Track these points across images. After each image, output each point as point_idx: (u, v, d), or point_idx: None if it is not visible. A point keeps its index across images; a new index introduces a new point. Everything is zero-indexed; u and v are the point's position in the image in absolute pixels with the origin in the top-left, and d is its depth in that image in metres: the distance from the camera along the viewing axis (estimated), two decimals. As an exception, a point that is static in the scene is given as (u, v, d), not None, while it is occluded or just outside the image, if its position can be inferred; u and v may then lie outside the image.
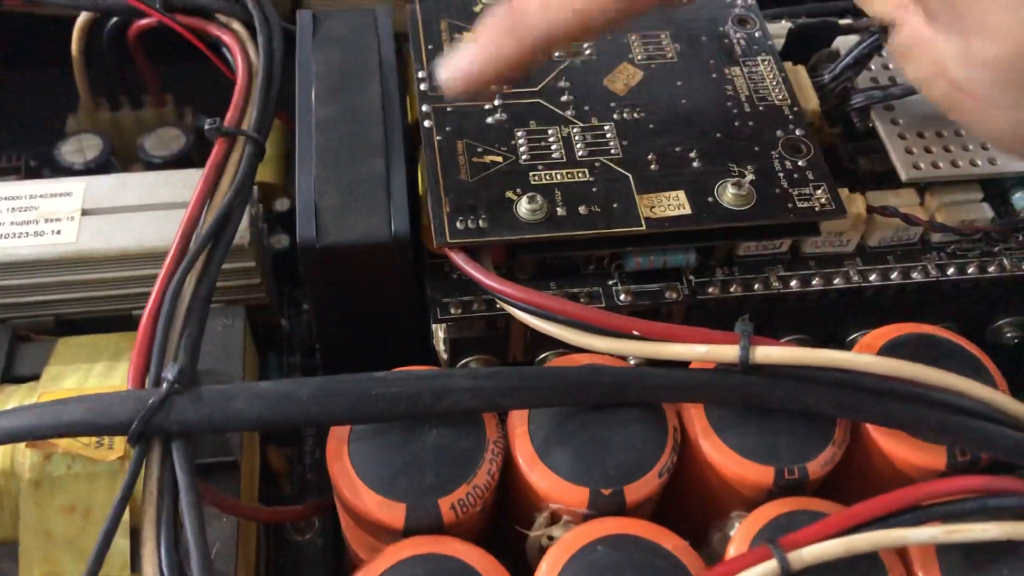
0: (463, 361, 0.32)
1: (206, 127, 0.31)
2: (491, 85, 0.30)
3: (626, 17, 0.28)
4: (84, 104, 0.42)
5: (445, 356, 0.32)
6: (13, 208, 0.33)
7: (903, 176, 0.33)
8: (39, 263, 0.32)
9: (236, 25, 0.36)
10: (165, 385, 0.25)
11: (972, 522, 0.25)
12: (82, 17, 0.39)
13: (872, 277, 0.33)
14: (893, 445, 0.28)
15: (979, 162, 0.33)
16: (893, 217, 0.32)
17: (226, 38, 0.36)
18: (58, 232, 0.32)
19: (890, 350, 0.29)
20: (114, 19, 0.39)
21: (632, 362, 0.29)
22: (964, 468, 0.27)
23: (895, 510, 0.26)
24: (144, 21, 0.38)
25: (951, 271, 0.33)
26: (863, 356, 0.27)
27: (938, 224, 0.33)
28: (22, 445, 0.28)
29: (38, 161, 0.43)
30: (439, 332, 0.32)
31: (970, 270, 0.33)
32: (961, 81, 0.24)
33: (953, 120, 0.26)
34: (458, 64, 0.29)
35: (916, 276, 0.33)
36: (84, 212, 0.33)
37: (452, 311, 0.31)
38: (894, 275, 0.33)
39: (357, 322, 0.33)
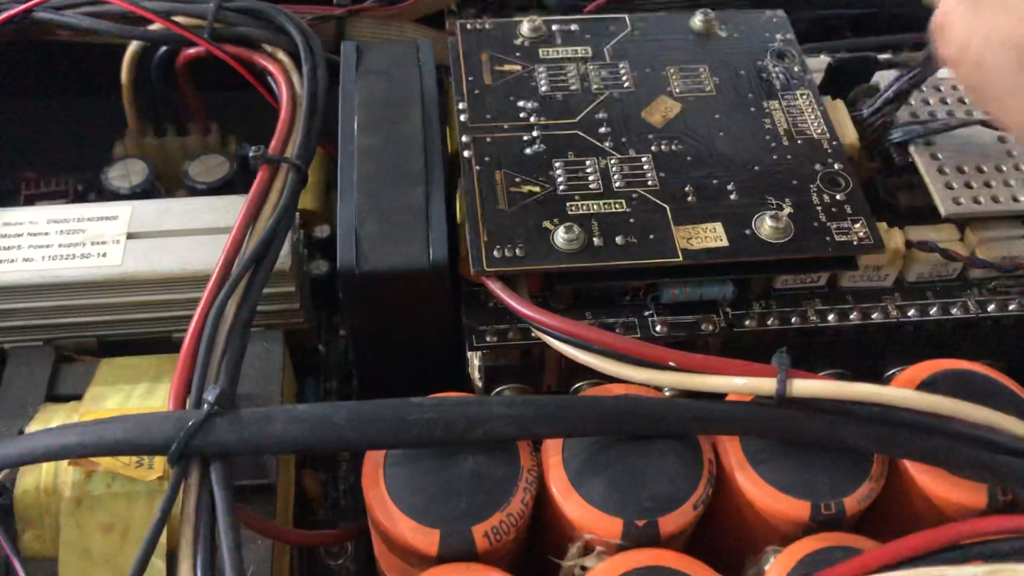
0: (497, 389, 0.33)
1: (251, 154, 0.32)
2: None
3: None
4: (131, 130, 0.43)
5: (480, 383, 0.32)
6: (61, 231, 0.34)
7: (943, 211, 0.33)
8: (85, 285, 0.33)
9: (282, 55, 0.37)
10: (206, 407, 0.25)
11: (1014, 562, 0.25)
12: (133, 46, 0.40)
13: (910, 312, 0.32)
14: (932, 482, 0.27)
15: (1021, 197, 0.33)
16: (932, 252, 0.32)
17: (272, 68, 0.36)
18: (104, 255, 0.33)
19: (929, 386, 0.29)
20: (163, 48, 0.40)
21: (667, 393, 0.29)
22: (1005, 507, 0.27)
23: (934, 548, 0.25)
24: (192, 50, 0.39)
25: (991, 307, 0.33)
26: (902, 391, 0.26)
27: (978, 260, 0.32)
28: (65, 463, 0.29)
29: (85, 185, 0.44)
30: (474, 359, 0.32)
31: (1011, 307, 0.33)
32: (983, 60, 0.24)
33: (974, 102, 0.26)
34: None
35: (955, 312, 0.33)
36: (130, 236, 0.34)
37: (488, 339, 0.31)
38: (933, 311, 0.32)
39: (394, 347, 0.34)
